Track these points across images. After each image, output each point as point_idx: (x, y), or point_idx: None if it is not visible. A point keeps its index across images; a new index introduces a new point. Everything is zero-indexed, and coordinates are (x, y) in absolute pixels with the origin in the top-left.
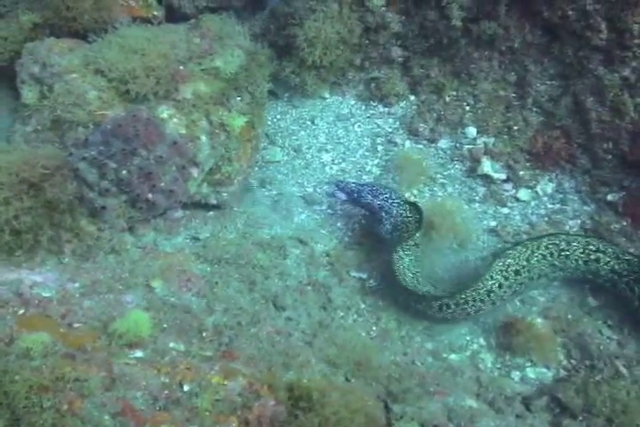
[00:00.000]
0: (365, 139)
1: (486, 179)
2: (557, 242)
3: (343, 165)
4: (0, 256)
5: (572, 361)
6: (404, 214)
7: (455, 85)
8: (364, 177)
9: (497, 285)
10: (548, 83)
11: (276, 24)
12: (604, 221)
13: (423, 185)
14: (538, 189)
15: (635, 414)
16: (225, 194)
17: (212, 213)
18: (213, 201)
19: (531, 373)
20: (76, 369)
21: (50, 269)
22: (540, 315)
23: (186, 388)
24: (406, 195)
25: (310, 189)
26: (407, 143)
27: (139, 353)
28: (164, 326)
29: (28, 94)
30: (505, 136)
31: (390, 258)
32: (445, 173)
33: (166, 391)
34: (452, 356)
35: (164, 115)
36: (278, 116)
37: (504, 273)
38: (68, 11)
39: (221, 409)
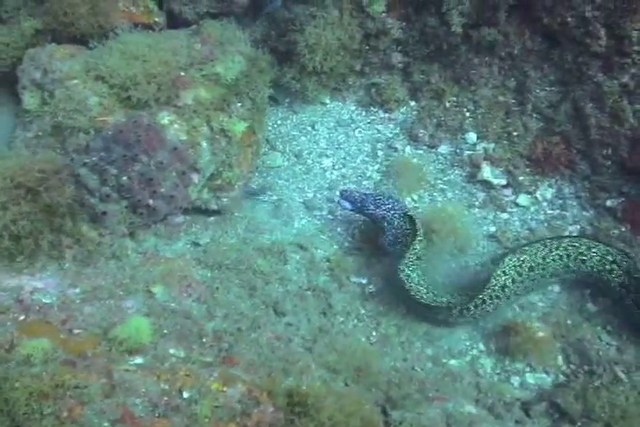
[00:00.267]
0: (366, 144)
1: (486, 184)
2: (578, 245)
3: (343, 170)
4: (1, 262)
5: (572, 366)
6: (404, 226)
7: (455, 91)
8: (365, 182)
9: (510, 280)
10: (548, 89)
11: (277, 30)
12: (604, 226)
13: (423, 191)
14: (537, 194)
15: (633, 420)
16: (225, 199)
17: (212, 218)
18: (214, 206)
19: (530, 378)
20: (75, 376)
21: (50, 275)
22: (539, 320)
23: (185, 394)
24: (406, 200)
25: (311, 195)
26: (407, 149)
27: (139, 360)
28: (165, 331)
29: (30, 100)
30: (505, 142)
31: (399, 278)
32: (445, 179)
33: (166, 398)
34: (452, 361)
35: (165, 121)
36: (279, 122)
37: (517, 269)
38: (65, 16)
39: (220, 416)
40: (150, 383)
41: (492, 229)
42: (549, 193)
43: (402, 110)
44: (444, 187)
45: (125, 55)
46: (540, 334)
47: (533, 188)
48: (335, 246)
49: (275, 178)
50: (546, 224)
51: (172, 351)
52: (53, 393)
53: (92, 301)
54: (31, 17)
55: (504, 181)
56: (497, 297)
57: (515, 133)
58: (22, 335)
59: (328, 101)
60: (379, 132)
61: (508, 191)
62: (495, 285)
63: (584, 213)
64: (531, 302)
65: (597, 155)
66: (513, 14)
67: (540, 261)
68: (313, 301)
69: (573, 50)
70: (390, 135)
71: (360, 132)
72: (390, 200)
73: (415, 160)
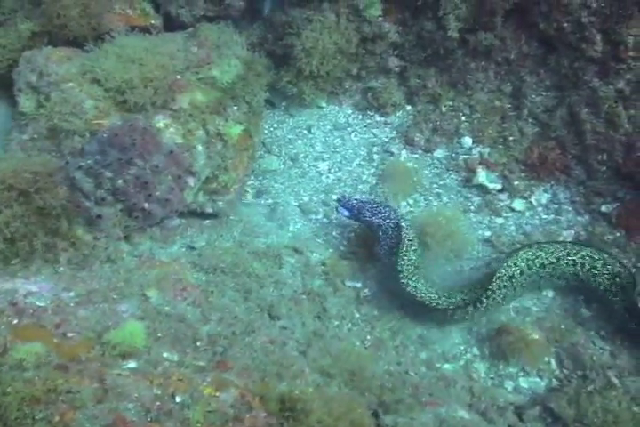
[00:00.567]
0: (362, 148)
1: (481, 189)
2: (597, 258)
3: (339, 174)
4: None
5: (565, 371)
6: (398, 237)
7: (451, 96)
8: (360, 186)
9: (519, 271)
10: (544, 94)
11: (274, 34)
12: (598, 231)
13: (419, 195)
14: (533, 199)
15: (626, 425)
16: (221, 203)
17: (208, 221)
18: (209, 210)
19: (524, 382)
20: (68, 381)
21: (45, 279)
22: (533, 325)
23: (178, 399)
24: (402, 204)
25: (306, 198)
26: (403, 153)
27: (132, 364)
28: (159, 335)
29: (25, 103)
30: (500, 146)
31: (407, 293)
32: (441, 183)
33: (158, 403)
34: (446, 365)
35: (161, 124)
36: (275, 125)
37: (529, 262)
38: (59, 18)
39: (213, 421)
40: (143, 388)
41: (487, 233)
42: (544, 198)
43: (398, 114)
44: (440, 191)
45: (122, 58)
46: (533, 335)
47: (528, 192)
48: (330, 250)
49: (270, 181)
50: (541, 229)
51: (165, 355)
52: (45, 398)
53: (86, 304)
54: (28, 19)
55: (499, 186)
56: (504, 286)
57: (510, 138)
58: (16, 339)
59: (324, 105)
60: (375, 136)
61: (503, 196)
62: (504, 275)
63: (579, 218)
64: (525, 306)
65: (592, 160)
66: (509, 19)
67: (554, 260)
68: (308, 304)
69: (569, 55)
70: (386, 139)
71: (356, 135)
72: (387, 209)
73: (411, 164)
